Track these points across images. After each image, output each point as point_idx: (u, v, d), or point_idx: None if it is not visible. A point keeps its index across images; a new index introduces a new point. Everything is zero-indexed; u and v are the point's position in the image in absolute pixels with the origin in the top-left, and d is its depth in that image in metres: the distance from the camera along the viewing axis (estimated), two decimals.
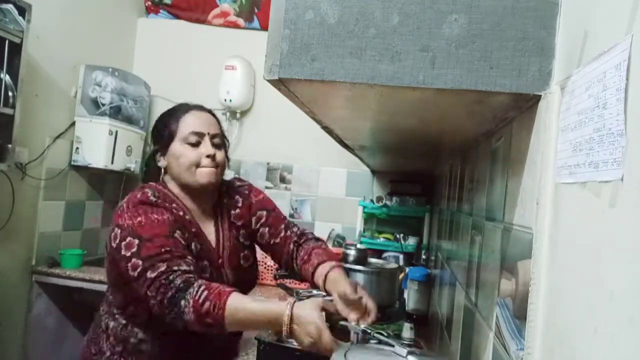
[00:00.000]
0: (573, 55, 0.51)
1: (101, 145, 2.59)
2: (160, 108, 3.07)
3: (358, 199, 2.77)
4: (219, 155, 1.31)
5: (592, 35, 0.47)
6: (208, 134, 1.30)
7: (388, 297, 1.65)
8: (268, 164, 3.03)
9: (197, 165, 1.27)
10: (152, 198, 1.22)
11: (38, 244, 2.49)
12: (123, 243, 1.14)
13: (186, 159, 1.27)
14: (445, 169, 1.84)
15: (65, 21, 2.54)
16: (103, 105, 2.60)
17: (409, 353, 0.82)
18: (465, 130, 0.94)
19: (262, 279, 2.50)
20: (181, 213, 1.26)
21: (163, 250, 1.12)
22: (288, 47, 0.59)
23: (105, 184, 2.99)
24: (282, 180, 3.02)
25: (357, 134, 1.22)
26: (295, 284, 2.20)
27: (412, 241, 2.60)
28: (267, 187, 3.03)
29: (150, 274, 1.09)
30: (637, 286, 0.34)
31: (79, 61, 2.61)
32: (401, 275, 2.00)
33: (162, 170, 1.32)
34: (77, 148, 2.61)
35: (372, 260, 1.79)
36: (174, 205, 1.25)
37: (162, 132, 1.31)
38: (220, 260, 1.31)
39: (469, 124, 0.85)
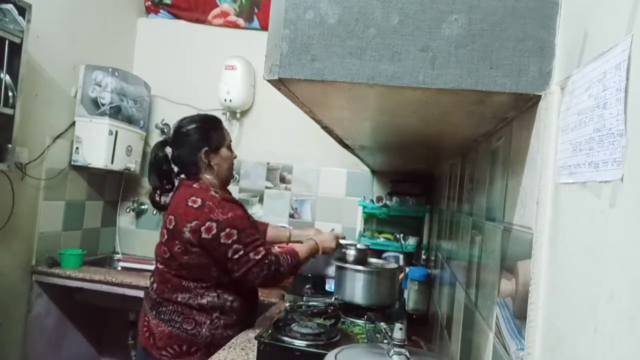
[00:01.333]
0: (573, 55, 0.51)
1: (101, 145, 2.59)
2: (160, 108, 3.09)
3: (358, 199, 2.78)
4: None
5: (592, 35, 0.47)
6: None
7: (388, 297, 1.65)
8: (268, 164, 3.03)
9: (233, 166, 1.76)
10: (227, 196, 1.64)
11: (38, 244, 2.49)
12: (222, 234, 1.51)
13: (231, 160, 1.72)
14: (445, 169, 1.84)
15: (65, 21, 2.54)
16: (103, 105, 2.60)
17: (395, 353, 0.81)
18: (465, 130, 0.94)
19: None
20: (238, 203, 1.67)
21: (255, 237, 1.57)
22: (288, 47, 0.59)
23: (105, 184, 2.99)
24: (282, 180, 3.01)
25: (357, 134, 1.22)
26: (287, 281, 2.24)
27: (412, 241, 2.60)
28: (267, 187, 3.03)
29: (253, 256, 1.53)
30: (637, 286, 0.34)
31: (79, 61, 2.62)
32: (401, 275, 2.01)
33: (202, 169, 1.65)
34: (77, 148, 2.61)
35: (372, 260, 1.79)
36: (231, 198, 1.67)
37: (209, 137, 1.66)
38: None
39: (469, 124, 0.85)
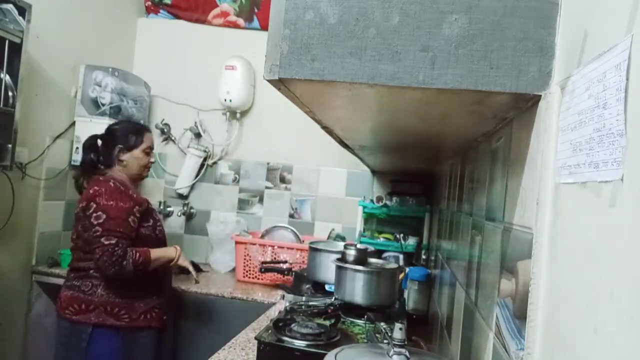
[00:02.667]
0: (573, 55, 0.51)
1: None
2: (160, 108, 3.09)
3: (358, 199, 2.77)
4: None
5: (592, 35, 0.47)
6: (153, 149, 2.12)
7: (388, 297, 1.65)
8: (268, 164, 3.03)
9: (148, 167, 2.08)
10: (117, 187, 1.88)
11: (38, 244, 2.49)
12: (94, 214, 1.82)
13: (145, 162, 2.05)
14: (445, 169, 1.84)
15: (65, 21, 2.54)
16: (103, 105, 2.60)
17: (395, 353, 0.81)
18: (465, 130, 0.94)
19: (252, 278, 2.52)
20: (135, 195, 1.95)
21: (118, 229, 1.81)
22: (288, 47, 0.59)
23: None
24: (282, 180, 3.01)
25: (357, 134, 1.22)
26: (282, 279, 2.28)
27: (412, 241, 2.60)
28: (267, 187, 3.03)
29: (104, 241, 1.78)
30: (637, 286, 0.34)
31: (79, 61, 2.61)
32: (401, 275, 2.00)
33: (114, 163, 2.00)
34: (77, 148, 2.60)
35: (372, 260, 1.79)
36: (130, 187, 1.97)
37: (127, 139, 2.01)
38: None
39: (469, 124, 0.85)
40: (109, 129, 2.07)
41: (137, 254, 1.82)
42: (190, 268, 2.04)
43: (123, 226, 1.83)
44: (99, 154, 2.04)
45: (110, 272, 1.79)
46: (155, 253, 1.90)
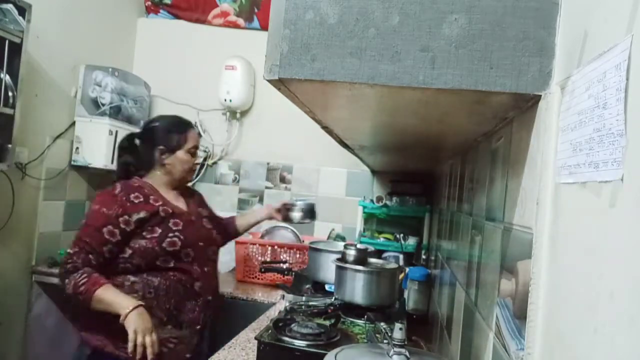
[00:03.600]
0: (573, 55, 0.51)
1: (101, 145, 2.59)
2: (160, 108, 3.09)
3: (358, 199, 2.77)
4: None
5: (592, 35, 0.47)
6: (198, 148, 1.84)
7: (388, 297, 1.65)
8: (268, 164, 3.03)
9: (191, 169, 1.81)
10: (116, 191, 1.65)
11: (38, 244, 2.49)
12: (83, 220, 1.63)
13: (190, 164, 1.78)
14: (445, 169, 1.84)
15: (65, 21, 2.54)
16: (103, 105, 2.60)
17: (395, 353, 0.81)
18: (465, 130, 0.94)
19: (252, 278, 2.52)
20: (156, 203, 1.68)
21: (85, 239, 1.56)
22: (288, 47, 0.59)
23: (105, 184, 2.97)
24: (282, 180, 3.01)
25: (357, 134, 1.22)
26: (282, 279, 2.27)
27: (412, 241, 2.60)
28: (267, 187, 3.03)
29: (70, 250, 1.56)
30: (637, 286, 0.34)
31: (79, 61, 2.61)
32: (401, 275, 2.00)
33: (155, 166, 1.75)
34: (77, 148, 2.61)
35: (372, 260, 1.79)
36: (138, 194, 1.67)
37: (169, 138, 1.75)
38: (192, 218, 1.79)
39: (469, 124, 0.85)
40: (148, 127, 1.81)
41: (83, 281, 1.48)
42: (130, 337, 1.44)
43: (91, 236, 1.55)
44: (138, 155, 1.78)
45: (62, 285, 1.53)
46: (105, 295, 1.49)
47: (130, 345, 1.44)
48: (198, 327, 1.68)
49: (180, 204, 1.79)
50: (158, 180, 1.75)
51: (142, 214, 1.62)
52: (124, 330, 1.47)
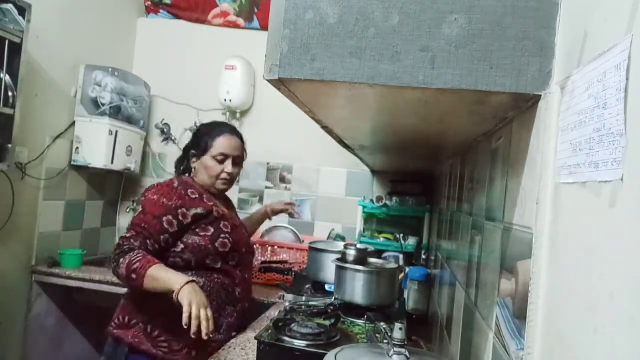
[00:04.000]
0: (573, 55, 0.51)
1: (101, 145, 2.59)
2: (160, 108, 3.09)
3: (358, 199, 2.78)
4: (235, 172, 1.78)
5: (592, 35, 0.47)
6: (231, 156, 1.75)
7: (388, 297, 1.65)
8: (268, 164, 3.03)
9: (218, 177, 1.73)
10: (175, 185, 1.65)
11: (38, 244, 2.49)
12: (138, 207, 1.63)
13: (213, 171, 1.72)
14: (445, 169, 1.84)
15: (65, 21, 2.54)
16: (103, 105, 2.60)
17: (395, 353, 0.81)
18: (465, 130, 0.94)
19: (252, 278, 2.51)
20: (195, 197, 1.67)
21: (143, 225, 1.56)
22: (288, 47, 0.59)
23: (105, 184, 2.99)
24: (282, 180, 3.02)
25: (357, 134, 1.22)
26: (282, 279, 2.28)
27: (412, 241, 2.60)
28: (267, 187, 3.03)
29: (126, 233, 1.56)
30: (637, 286, 0.34)
31: (79, 61, 2.62)
32: (401, 275, 2.00)
33: (193, 169, 1.77)
34: (77, 148, 2.61)
35: (372, 260, 1.79)
36: (193, 190, 1.68)
37: (200, 143, 1.75)
38: (238, 222, 1.83)
39: (469, 124, 0.85)
40: (194, 131, 1.87)
41: (138, 259, 1.45)
42: (185, 309, 1.36)
43: (150, 223, 1.55)
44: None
45: (111, 268, 1.53)
46: (159, 272, 1.45)
47: (185, 316, 1.35)
48: (234, 333, 1.65)
49: (223, 208, 1.80)
50: (199, 183, 1.75)
51: (199, 210, 1.64)
52: (160, 327, 1.54)
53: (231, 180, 1.77)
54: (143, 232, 1.54)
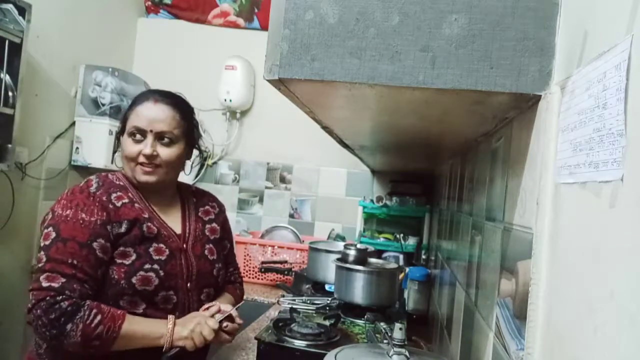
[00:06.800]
0: (573, 55, 0.51)
1: (101, 145, 2.59)
2: None
3: (358, 199, 2.77)
4: (165, 153, 1.23)
5: (592, 35, 0.47)
6: (151, 131, 1.22)
7: (388, 297, 1.65)
8: (268, 164, 3.03)
9: (135, 161, 1.23)
10: (92, 189, 1.19)
11: (38, 244, 2.48)
12: (45, 230, 1.13)
13: (125, 152, 1.24)
14: (445, 169, 1.84)
15: (65, 21, 2.54)
16: (103, 105, 2.60)
17: (395, 353, 0.82)
18: (465, 130, 0.94)
19: (252, 278, 2.52)
20: (127, 202, 1.22)
21: (70, 260, 1.09)
22: (288, 47, 0.59)
23: None
24: (282, 180, 3.02)
25: (357, 134, 1.22)
26: (282, 279, 2.26)
27: (412, 241, 2.60)
28: (267, 187, 3.03)
29: (44, 282, 1.06)
30: (637, 286, 0.34)
31: (79, 61, 2.61)
32: (401, 275, 2.00)
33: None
34: (77, 148, 2.61)
35: (372, 260, 1.79)
36: (121, 194, 1.22)
37: (122, 118, 1.29)
38: (184, 245, 1.29)
39: (469, 124, 0.85)
40: None
41: (98, 320, 1.06)
42: (192, 346, 1.14)
43: (78, 256, 1.09)
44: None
45: (45, 337, 1.08)
46: (136, 327, 1.10)
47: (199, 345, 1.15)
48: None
49: (173, 218, 1.31)
50: (129, 179, 1.29)
51: (123, 225, 1.17)
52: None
53: (157, 165, 1.23)
54: (75, 272, 1.08)
